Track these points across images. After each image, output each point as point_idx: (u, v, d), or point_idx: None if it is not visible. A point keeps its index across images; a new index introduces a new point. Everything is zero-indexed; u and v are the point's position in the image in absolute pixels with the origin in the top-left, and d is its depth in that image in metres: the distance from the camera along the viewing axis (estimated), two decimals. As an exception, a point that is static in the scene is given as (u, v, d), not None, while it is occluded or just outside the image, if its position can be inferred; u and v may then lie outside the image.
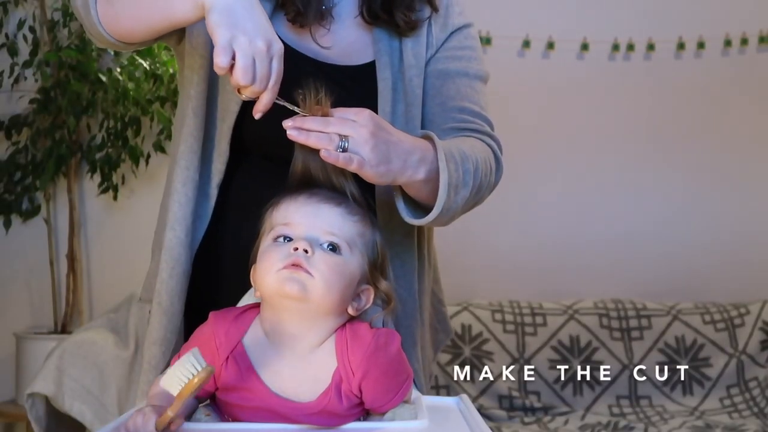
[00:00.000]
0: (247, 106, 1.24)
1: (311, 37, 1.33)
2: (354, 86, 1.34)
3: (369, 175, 1.13)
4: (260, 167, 1.34)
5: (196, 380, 0.94)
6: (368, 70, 1.32)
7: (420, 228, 1.41)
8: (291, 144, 1.12)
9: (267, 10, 1.30)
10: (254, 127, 1.26)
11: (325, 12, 1.34)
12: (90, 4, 1.22)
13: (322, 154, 1.09)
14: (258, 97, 1.12)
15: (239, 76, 1.08)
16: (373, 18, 1.37)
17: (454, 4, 1.45)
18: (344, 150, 1.10)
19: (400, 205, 1.25)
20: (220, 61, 1.08)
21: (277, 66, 1.11)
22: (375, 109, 1.30)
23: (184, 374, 0.95)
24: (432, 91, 1.39)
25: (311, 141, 1.09)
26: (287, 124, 1.09)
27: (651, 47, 3.10)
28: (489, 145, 1.35)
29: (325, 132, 1.10)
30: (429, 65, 1.40)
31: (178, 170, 1.33)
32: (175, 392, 0.95)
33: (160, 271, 1.34)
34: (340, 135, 1.10)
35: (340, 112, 1.12)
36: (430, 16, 1.41)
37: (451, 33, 1.43)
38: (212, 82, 1.34)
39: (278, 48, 1.11)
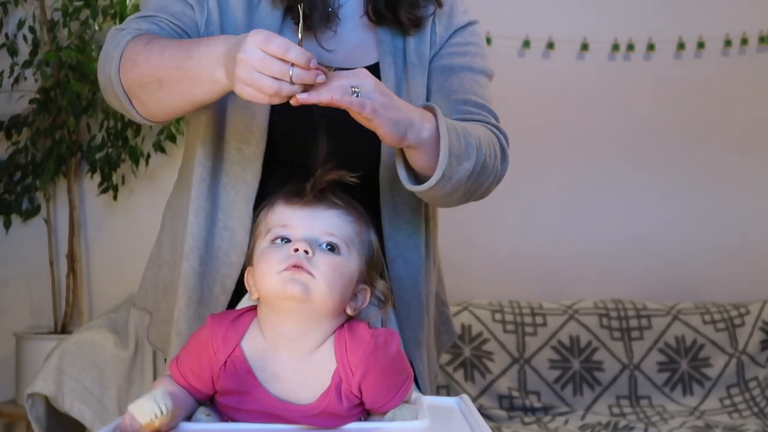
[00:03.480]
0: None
1: (315, 41, 1.34)
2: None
3: (382, 122, 1.13)
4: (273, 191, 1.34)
5: (157, 423, 0.96)
6: (372, 72, 1.33)
7: (426, 228, 1.42)
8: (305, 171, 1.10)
9: (277, 17, 1.33)
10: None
11: (331, 14, 1.35)
12: (121, 98, 1.25)
13: (336, 98, 1.08)
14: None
15: (267, 97, 1.08)
16: (378, 17, 1.37)
17: (459, 2, 1.45)
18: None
19: (402, 172, 1.24)
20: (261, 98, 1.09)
21: (296, 57, 1.07)
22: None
23: (151, 409, 0.96)
24: (436, 86, 1.39)
25: (323, 96, 1.08)
26: (298, 97, 1.08)
27: (651, 47, 3.10)
28: (495, 134, 1.34)
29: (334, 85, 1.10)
30: (432, 62, 1.40)
31: (189, 200, 1.35)
32: (142, 420, 0.97)
33: (178, 300, 1.37)
34: (351, 87, 1.11)
35: (340, 73, 1.13)
36: (434, 13, 1.41)
37: (456, 30, 1.43)
38: (221, 107, 1.34)
39: (279, 43, 1.08)
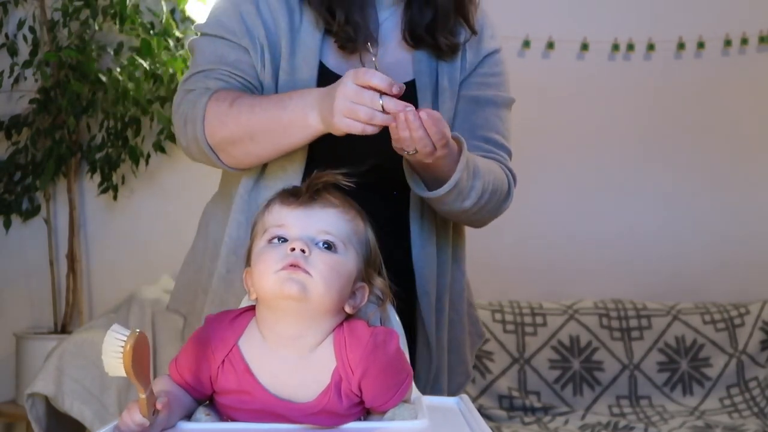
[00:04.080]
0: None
1: (361, 62, 1.38)
2: None
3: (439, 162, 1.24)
4: None
5: (128, 347, 0.93)
6: (407, 90, 1.38)
7: (455, 239, 1.50)
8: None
9: (317, 38, 1.38)
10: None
11: (371, 37, 1.39)
12: (208, 154, 1.34)
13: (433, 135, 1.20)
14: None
15: (361, 126, 1.18)
16: (415, 41, 1.42)
17: (486, 26, 1.50)
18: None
19: (414, 178, 1.33)
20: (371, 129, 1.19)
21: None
22: None
23: (115, 351, 0.94)
24: (462, 115, 1.45)
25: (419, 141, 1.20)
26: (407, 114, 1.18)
27: (651, 47, 3.10)
28: (506, 177, 1.44)
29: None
30: (461, 88, 1.46)
31: (229, 211, 1.41)
32: (121, 371, 0.95)
33: (206, 304, 1.42)
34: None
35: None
36: (467, 40, 1.46)
37: (484, 58, 1.48)
38: None
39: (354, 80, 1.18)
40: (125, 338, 0.94)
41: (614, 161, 3.13)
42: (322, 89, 1.25)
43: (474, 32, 1.45)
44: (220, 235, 1.43)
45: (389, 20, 1.44)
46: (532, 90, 3.06)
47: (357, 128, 1.18)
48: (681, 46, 3.10)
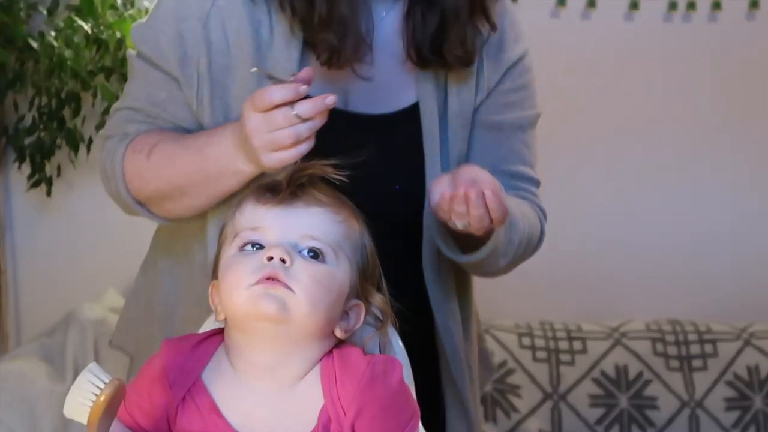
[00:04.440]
0: None
1: (353, 72, 1.40)
2: (393, 135, 1.43)
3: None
4: None
5: (102, 399, 0.95)
6: (409, 114, 1.40)
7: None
8: None
9: (293, 56, 1.39)
10: None
11: (362, 42, 1.39)
12: (138, 210, 1.44)
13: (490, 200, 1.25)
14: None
15: (293, 151, 1.24)
16: (421, 61, 1.43)
17: (509, 27, 1.51)
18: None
19: (446, 239, 1.41)
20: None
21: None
22: (421, 156, 1.44)
23: (85, 397, 0.96)
24: (480, 146, 1.48)
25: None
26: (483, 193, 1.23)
27: (717, 5, 3.10)
28: (539, 218, 1.53)
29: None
30: (478, 113, 1.48)
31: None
32: (83, 420, 0.96)
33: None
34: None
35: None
36: (485, 43, 1.46)
37: (507, 70, 1.49)
38: None
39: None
40: (102, 386, 0.95)
41: (672, 149, 3.13)
42: (235, 125, 1.30)
43: (494, 28, 1.45)
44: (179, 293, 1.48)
45: (387, 20, 1.45)
46: (567, 59, 3.07)
47: (290, 156, 1.23)
48: (754, 3, 3.10)
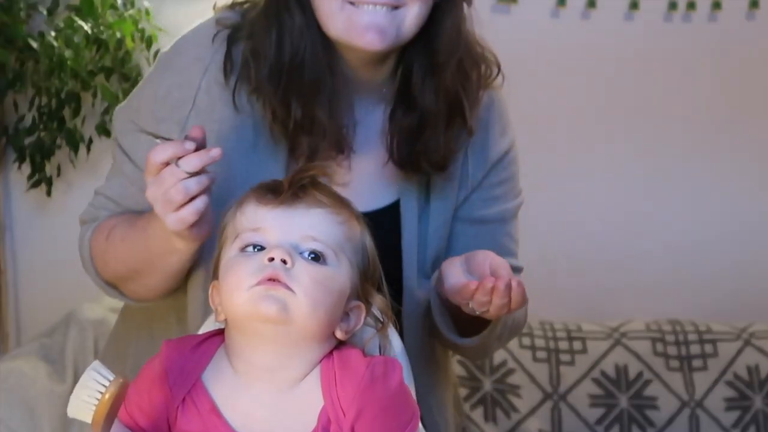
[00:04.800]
0: None
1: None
2: (376, 232, 1.40)
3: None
4: None
5: (107, 397, 0.95)
6: (389, 212, 1.41)
7: None
8: None
9: (281, 159, 1.40)
10: None
11: (342, 140, 1.39)
12: (112, 294, 1.47)
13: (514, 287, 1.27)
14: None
15: (192, 210, 1.22)
16: (403, 165, 1.44)
17: (496, 120, 1.51)
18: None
19: (447, 321, 1.43)
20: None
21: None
22: (398, 255, 1.44)
23: (90, 395, 0.96)
24: (464, 240, 1.48)
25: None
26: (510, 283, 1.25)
27: (717, 5, 3.10)
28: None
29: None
30: (461, 209, 1.49)
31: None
32: (87, 419, 0.96)
33: None
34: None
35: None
36: (468, 146, 1.47)
37: (491, 167, 1.50)
38: None
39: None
40: (107, 384, 0.95)
41: (672, 149, 3.13)
42: None
43: (470, 133, 1.46)
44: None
45: (370, 120, 1.45)
46: (567, 59, 3.07)
47: (187, 215, 1.20)
48: (754, 3, 3.10)
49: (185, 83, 1.40)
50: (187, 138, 1.22)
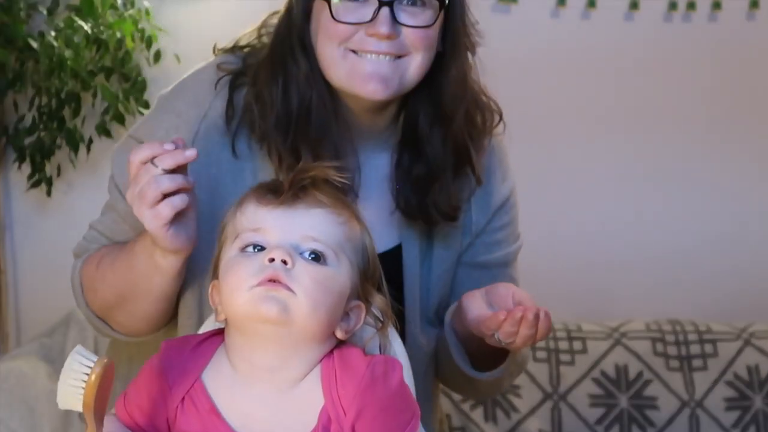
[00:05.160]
0: None
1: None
2: None
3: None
4: None
5: (93, 378, 0.95)
6: (390, 256, 1.40)
7: None
8: None
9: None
10: None
11: (346, 186, 1.37)
12: (101, 327, 1.46)
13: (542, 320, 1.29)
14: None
15: (167, 208, 1.22)
16: (410, 213, 1.44)
17: (497, 167, 1.52)
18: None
19: (463, 356, 1.45)
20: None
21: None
22: (400, 300, 1.41)
23: (76, 378, 0.96)
24: (468, 284, 1.48)
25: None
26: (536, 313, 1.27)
27: (717, 5, 3.10)
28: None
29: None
30: (465, 255, 1.50)
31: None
32: (78, 406, 0.96)
33: None
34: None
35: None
36: (471, 195, 1.48)
37: (494, 213, 1.51)
38: None
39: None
40: (91, 365, 0.95)
41: (670, 148, 3.13)
42: None
43: (479, 182, 1.47)
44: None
45: (375, 166, 1.45)
46: (566, 60, 3.07)
47: (163, 208, 1.20)
48: (754, 3, 3.10)
49: (183, 127, 1.39)
50: (165, 142, 1.22)
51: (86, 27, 2.74)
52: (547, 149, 2.97)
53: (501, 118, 1.51)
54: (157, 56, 2.83)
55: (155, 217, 1.21)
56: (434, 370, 1.56)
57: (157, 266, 1.30)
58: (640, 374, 2.88)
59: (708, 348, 2.92)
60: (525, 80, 2.91)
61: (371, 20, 1.32)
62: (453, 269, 1.50)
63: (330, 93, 1.38)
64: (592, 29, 3.09)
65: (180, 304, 1.42)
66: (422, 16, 1.35)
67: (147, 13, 2.81)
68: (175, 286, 1.36)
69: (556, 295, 3.08)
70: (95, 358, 0.97)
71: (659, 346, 2.91)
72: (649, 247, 3.14)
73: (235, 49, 1.47)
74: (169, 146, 1.20)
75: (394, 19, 1.32)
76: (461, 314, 1.38)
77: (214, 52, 1.48)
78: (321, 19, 1.35)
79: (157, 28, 2.81)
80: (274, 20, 1.43)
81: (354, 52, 1.34)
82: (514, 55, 2.86)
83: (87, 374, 0.96)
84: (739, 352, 2.92)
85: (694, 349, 2.92)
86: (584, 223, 3.13)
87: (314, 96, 1.37)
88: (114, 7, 2.79)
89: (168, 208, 1.20)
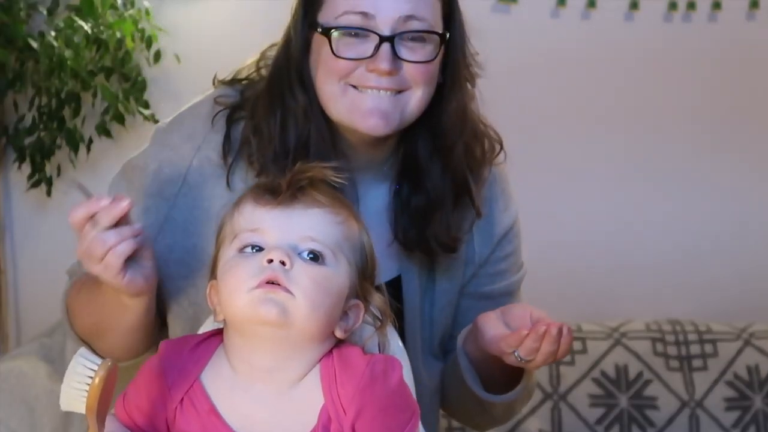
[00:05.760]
0: None
1: None
2: None
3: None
4: None
5: (97, 380, 0.95)
6: (390, 287, 1.37)
7: None
8: None
9: None
10: None
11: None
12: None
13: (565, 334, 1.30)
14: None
15: (115, 262, 1.21)
16: (409, 246, 1.42)
17: (499, 196, 1.51)
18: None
19: (476, 378, 1.44)
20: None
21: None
22: (401, 331, 1.41)
23: (80, 381, 0.96)
24: (472, 314, 1.46)
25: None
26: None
27: (717, 5, 3.10)
28: None
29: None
30: (468, 285, 1.49)
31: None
32: (81, 408, 0.96)
33: None
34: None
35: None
36: (471, 227, 1.47)
37: (497, 243, 1.50)
38: None
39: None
40: (95, 368, 0.95)
41: (670, 148, 3.13)
42: None
43: (479, 214, 1.46)
44: None
45: (373, 198, 1.44)
46: (566, 60, 3.07)
47: (111, 258, 1.20)
48: (754, 3, 3.10)
49: (177, 160, 1.38)
50: (99, 198, 1.21)
51: (86, 27, 2.74)
52: (546, 149, 2.97)
53: (501, 148, 1.49)
54: (157, 56, 2.83)
55: (106, 269, 1.21)
56: (438, 405, 1.55)
57: (124, 306, 1.31)
58: (640, 374, 2.88)
59: (708, 348, 2.92)
60: (525, 80, 2.91)
61: (372, 56, 1.30)
62: (456, 300, 1.49)
63: (328, 126, 1.37)
64: (592, 29, 3.09)
65: (170, 326, 1.43)
66: (423, 51, 1.33)
67: (147, 13, 2.81)
68: (148, 321, 1.36)
69: (557, 296, 3.08)
70: (99, 361, 0.97)
71: (659, 346, 2.91)
72: (649, 248, 3.14)
73: (233, 81, 1.45)
74: (104, 201, 1.19)
75: (395, 55, 1.31)
76: (476, 335, 1.37)
77: (213, 83, 1.47)
78: (321, 54, 1.33)
79: (157, 28, 2.81)
80: (273, 52, 1.42)
81: (354, 87, 1.33)
82: (513, 55, 2.86)
83: (91, 377, 0.96)
84: (739, 352, 2.92)
85: (694, 349, 2.92)
86: (584, 223, 3.13)
87: (312, 129, 1.36)
88: (114, 7, 2.79)
89: (115, 257, 1.19)
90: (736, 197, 3.16)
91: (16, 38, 2.75)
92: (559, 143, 3.04)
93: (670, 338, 2.93)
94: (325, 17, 1.33)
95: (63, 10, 2.84)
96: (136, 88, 2.81)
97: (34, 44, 2.74)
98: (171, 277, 1.37)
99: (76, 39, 2.75)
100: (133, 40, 2.77)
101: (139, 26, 2.79)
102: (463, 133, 1.42)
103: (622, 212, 3.15)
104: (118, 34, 2.79)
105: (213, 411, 1.06)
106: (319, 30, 1.32)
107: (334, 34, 1.31)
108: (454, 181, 1.42)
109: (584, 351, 2.89)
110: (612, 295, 3.12)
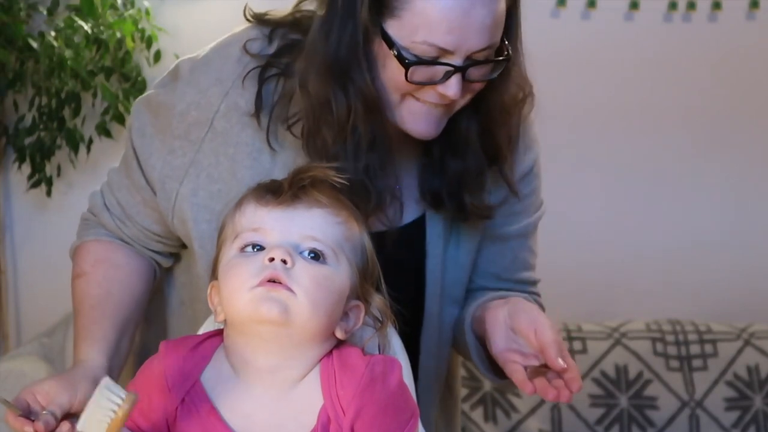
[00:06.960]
0: None
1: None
2: (396, 250, 1.36)
3: None
4: None
5: (120, 414, 0.96)
6: (414, 228, 1.38)
7: None
8: None
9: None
10: None
11: (390, 194, 1.36)
12: None
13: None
14: None
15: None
16: (436, 203, 1.41)
17: (520, 138, 1.49)
18: None
19: (486, 364, 1.42)
20: None
21: None
22: (422, 272, 1.42)
23: (105, 414, 0.96)
24: (486, 256, 1.47)
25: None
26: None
27: (717, 5, 3.10)
28: None
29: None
30: (486, 227, 1.47)
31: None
32: (103, 428, 0.96)
33: None
34: None
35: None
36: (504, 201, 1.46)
37: (516, 184, 1.48)
38: None
39: None
40: (121, 401, 0.96)
41: (672, 150, 3.13)
42: (77, 366, 1.33)
43: (515, 194, 1.45)
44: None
45: (407, 179, 1.43)
46: (566, 59, 3.06)
47: None
48: (754, 3, 3.10)
49: (205, 104, 1.36)
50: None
51: (86, 27, 2.74)
52: (546, 149, 2.94)
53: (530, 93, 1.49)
54: (157, 56, 2.83)
55: None
56: (450, 355, 1.54)
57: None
58: (640, 374, 2.88)
59: (708, 348, 2.92)
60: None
61: (441, 81, 1.27)
62: (477, 240, 1.46)
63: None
64: (592, 29, 3.09)
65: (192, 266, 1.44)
66: (487, 68, 1.32)
67: (147, 13, 2.81)
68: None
69: (557, 295, 3.08)
70: (124, 395, 0.97)
71: (659, 346, 2.91)
72: (649, 248, 3.14)
73: (265, 21, 1.40)
74: (39, 427, 1.12)
75: (464, 80, 1.28)
76: (484, 332, 1.36)
77: (244, 14, 1.42)
78: (386, 64, 1.28)
79: (157, 28, 2.82)
80: (310, 6, 1.36)
81: (413, 95, 1.30)
82: (514, 55, 2.86)
83: (114, 410, 0.97)
84: (739, 352, 2.92)
85: (694, 349, 2.92)
86: (584, 223, 3.13)
87: (362, 112, 1.31)
88: (114, 7, 2.79)
89: None
90: (736, 197, 3.16)
91: (16, 38, 2.75)
92: (558, 143, 3.03)
93: (670, 338, 2.93)
94: (398, 32, 1.25)
95: (63, 10, 2.83)
96: (136, 88, 2.81)
97: (34, 44, 2.74)
98: (195, 220, 1.36)
99: (76, 39, 2.75)
100: (133, 40, 2.77)
101: (139, 26, 2.79)
102: (510, 120, 1.42)
103: (622, 212, 3.15)
104: (118, 34, 2.79)
105: (213, 411, 1.06)
106: (394, 52, 1.25)
107: (407, 59, 1.25)
108: (492, 146, 1.41)
109: (584, 351, 2.89)
110: (612, 295, 3.12)
